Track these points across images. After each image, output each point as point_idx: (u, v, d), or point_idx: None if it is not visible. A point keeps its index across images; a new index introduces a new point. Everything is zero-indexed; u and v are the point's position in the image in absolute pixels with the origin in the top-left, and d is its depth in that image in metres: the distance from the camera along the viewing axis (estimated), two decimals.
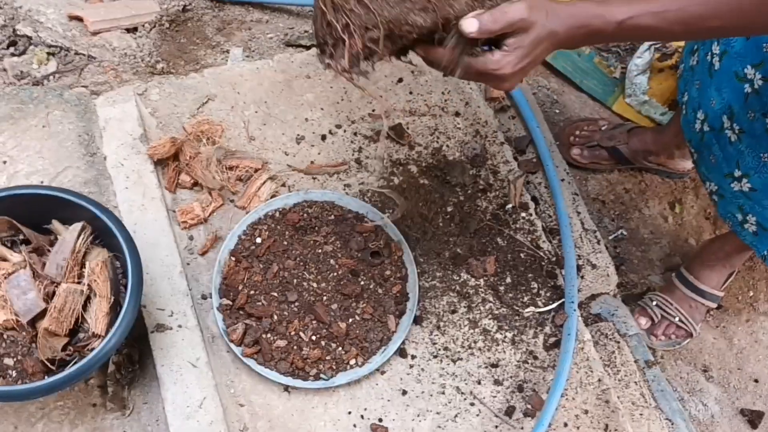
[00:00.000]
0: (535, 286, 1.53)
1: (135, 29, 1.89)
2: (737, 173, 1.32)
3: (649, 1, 0.96)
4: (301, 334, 1.37)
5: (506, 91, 1.01)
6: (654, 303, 1.67)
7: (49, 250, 1.24)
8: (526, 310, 1.49)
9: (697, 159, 1.47)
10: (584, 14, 0.96)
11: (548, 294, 1.52)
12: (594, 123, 1.86)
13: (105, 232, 1.24)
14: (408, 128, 1.66)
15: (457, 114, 1.71)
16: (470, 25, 0.92)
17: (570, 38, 0.97)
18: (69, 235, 1.21)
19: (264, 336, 1.36)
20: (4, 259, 1.22)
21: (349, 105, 1.67)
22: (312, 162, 1.58)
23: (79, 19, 1.86)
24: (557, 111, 1.96)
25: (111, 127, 1.52)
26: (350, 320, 1.40)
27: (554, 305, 1.51)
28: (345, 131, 1.63)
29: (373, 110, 1.67)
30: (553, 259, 1.56)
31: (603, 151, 1.82)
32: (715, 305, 1.69)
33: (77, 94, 1.59)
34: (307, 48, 1.89)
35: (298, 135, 1.61)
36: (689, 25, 0.95)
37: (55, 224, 1.26)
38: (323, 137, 1.62)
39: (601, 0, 0.97)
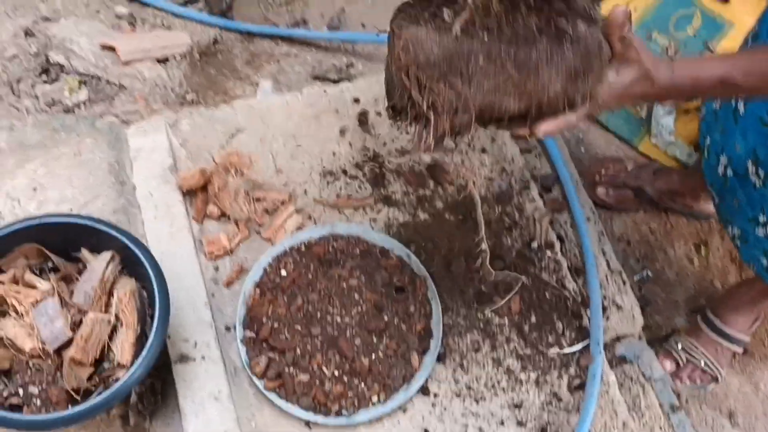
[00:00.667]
0: (560, 326, 1.51)
1: (166, 60, 1.92)
2: (762, 218, 1.31)
3: (733, 59, 0.99)
4: (324, 368, 1.36)
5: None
6: (679, 346, 1.65)
7: (77, 279, 1.24)
8: (551, 350, 1.48)
9: (719, 203, 1.46)
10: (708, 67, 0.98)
11: (573, 335, 1.51)
12: (620, 162, 1.86)
13: (133, 262, 1.24)
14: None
15: (483, 151, 1.71)
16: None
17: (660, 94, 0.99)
18: (98, 264, 1.22)
19: (287, 369, 1.35)
20: (33, 287, 1.23)
21: (377, 140, 1.68)
22: (338, 195, 1.59)
23: (112, 49, 1.89)
24: (583, 149, 1.96)
25: (141, 157, 1.54)
26: (373, 356, 1.39)
27: (579, 346, 1.49)
28: (372, 166, 1.64)
29: (402, 146, 1.67)
30: (579, 299, 1.55)
31: (629, 191, 1.82)
32: (741, 349, 1.66)
33: (109, 123, 1.61)
34: (335, 82, 1.91)
35: (325, 168, 1.62)
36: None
37: (84, 253, 1.27)
38: (350, 171, 1.63)
39: (695, 59, 0.99)
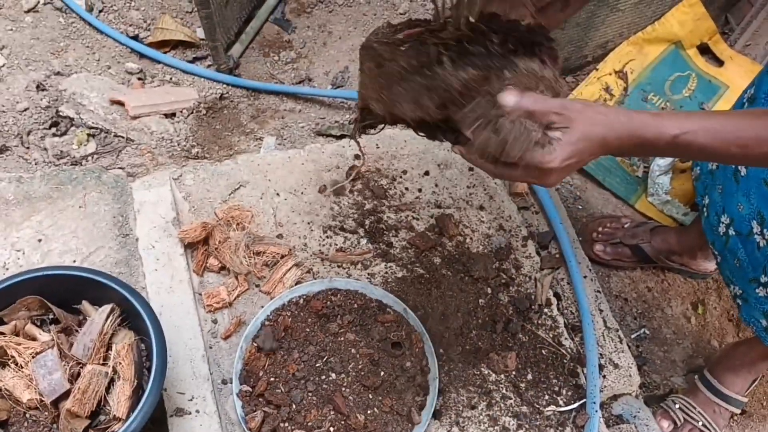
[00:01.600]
0: (557, 383, 1.51)
1: (173, 115, 1.97)
2: (763, 279, 1.33)
3: (705, 119, 0.94)
4: (319, 425, 1.36)
5: (549, 187, 0.99)
6: (677, 406, 1.64)
7: (77, 331, 1.26)
8: (547, 408, 1.48)
9: (720, 261, 1.47)
10: (637, 124, 0.94)
11: (569, 393, 1.51)
12: (617, 220, 1.88)
13: (133, 314, 1.26)
14: (434, 220, 1.69)
15: (481, 208, 1.74)
16: (508, 97, 0.94)
17: (619, 146, 0.96)
18: (98, 317, 1.24)
19: (282, 425, 1.35)
20: (33, 339, 1.24)
21: (375, 197, 1.71)
22: (337, 250, 1.61)
23: (121, 104, 1.94)
24: (580, 207, 1.99)
25: (145, 210, 1.57)
26: (369, 412, 1.39)
27: (576, 405, 1.49)
28: (371, 222, 1.66)
29: (401, 201, 1.70)
30: (575, 356, 1.56)
31: (626, 248, 1.83)
32: (739, 411, 1.66)
33: (114, 177, 1.65)
34: (338, 138, 1.96)
35: (325, 223, 1.65)
36: (747, 147, 0.92)
37: (85, 305, 1.28)
38: (349, 226, 1.65)
39: (656, 113, 0.96)
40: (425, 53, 0.98)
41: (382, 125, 1.18)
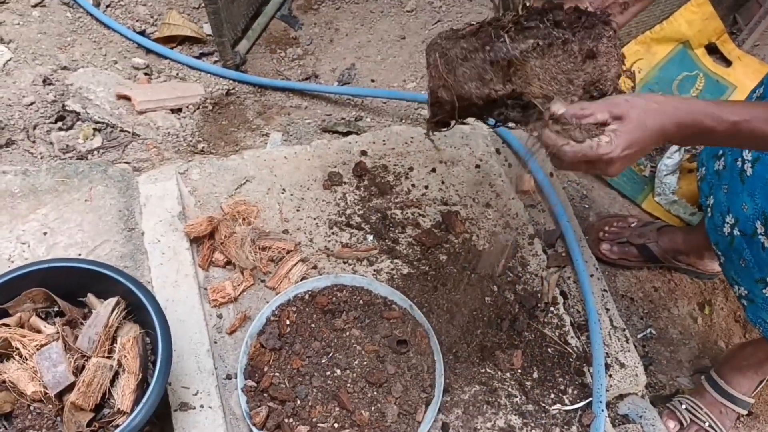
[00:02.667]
0: (563, 382, 1.50)
1: (179, 110, 1.97)
2: None
3: (761, 107, 0.95)
4: (324, 420, 1.35)
5: (612, 176, 1.04)
6: (683, 406, 1.63)
7: (82, 323, 1.25)
8: (553, 407, 1.47)
9: (724, 262, 1.47)
10: (696, 111, 0.96)
11: (575, 392, 1.50)
12: (624, 219, 1.88)
13: (138, 308, 1.25)
14: (440, 217, 1.68)
15: (487, 205, 1.73)
16: (557, 105, 0.98)
17: (679, 133, 0.97)
18: (103, 310, 1.23)
19: (286, 420, 1.35)
20: (38, 331, 1.24)
21: (381, 194, 1.70)
22: (343, 246, 1.60)
23: (127, 99, 1.94)
24: (587, 206, 1.98)
25: (151, 204, 1.57)
26: (373, 408, 1.38)
27: (581, 404, 1.48)
28: (377, 218, 1.66)
29: (407, 197, 1.70)
30: (581, 355, 1.55)
31: (632, 248, 1.83)
32: (745, 412, 1.65)
33: (120, 171, 1.64)
34: (344, 134, 1.95)
35: (331, 219, 1.64)
36: None
37: (91, 298, 1.28)
38: (355, 222, 1.65)
39: (711, 101, 0.98)
40: (485, 34, 1.05)
41: (454, 121, 1.19)
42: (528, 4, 1.05)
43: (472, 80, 1.06)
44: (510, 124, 1.12)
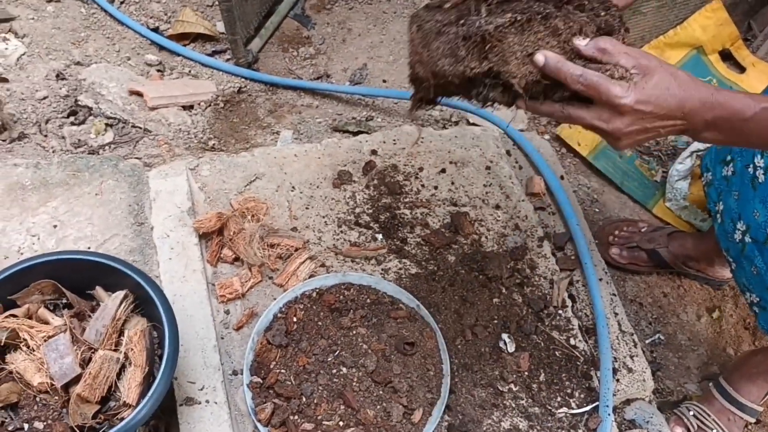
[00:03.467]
0: (569, 386, 1.50)
1: (191, 107, 1.97)
2: None
3: None
4: (329, 418, 1.35)
5: (617, 141, 0.95)
6: (691, 413, 1.62)
7: (90, 316, 1.26)
8: (559, 410, 1.46)
9: (735, 269, 1.45)
10: (724, 92, 0.90)
11: (582, 395, 1.49)
12: (634, 224, 1.87)
13: (146, 302, 1.26)
14: (449, 218, 1.68)
15: (497, 207, 1.73)
16: (580, 39, 0.93)
17: (698, 114, 0.90)
18: (111, 303, 1.24)
19: (291, 418, 1.34)
20: (46, 322, 1.24)
21: (390, 193, 1.70)
22: (352, 244, 1.60)
23: (139, 95, 1.95)
24: (597, 210, 1.97)
25: (161, 199, 1.57)
26: (379, 407, 1.38)
27: (588, 408, 1.47)
28: (386, 217, 1.65)
29: (416, 197, 1.69)
30: (589, 359, 1.54)
31: (642, 252, 1.81)
32: (753, 420, 1.63)
33: (131, 165, 1.65)
34: (354, 134, 1.95)
35: (340, 217, 1.64)
36: None
37: (99, 291, 1.28)
38: (364, 221, 1.65)
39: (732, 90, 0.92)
40: (465, 8, 0.98)
41: (438, 98, 1.11)
42: None
43: (445, 56, 0.98)
44: (496, 105, 1.06)
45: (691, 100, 0.90)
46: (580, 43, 0.93)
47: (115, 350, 1.21)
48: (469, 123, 2.05)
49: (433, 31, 0.99)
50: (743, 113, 0.90)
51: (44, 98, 1.91)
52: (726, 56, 2.33)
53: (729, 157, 1.47)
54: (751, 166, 1.36)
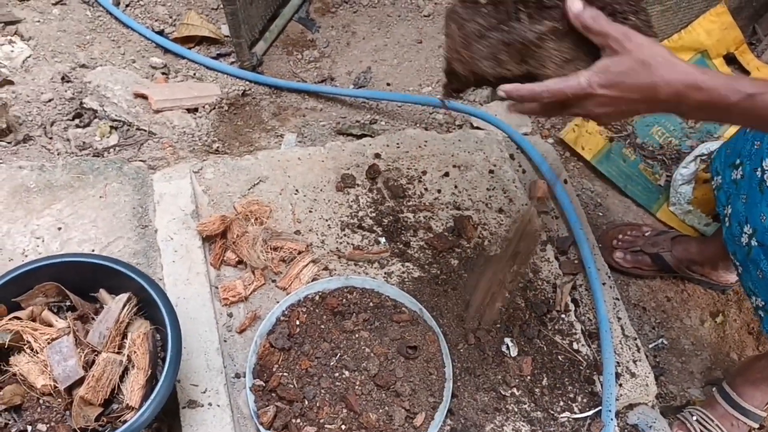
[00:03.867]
0: (572, 390, 1.49)
1: (196, 110, 1.98)
2: None
3: None
4: (331, 422, 1.35)
5: (601, 124, 1.01)
6: (694, 418, 1.62)
7: (93, 318, 1.26)
8: (562, 415, 1.46)
9: (741, 273, 1.45)
10: (709, 77, 0.88)
11: (585, 400, 1.49)
12: (638, 228, 1.86)
13: (149, 304, 1.26)
14: (452, 222, 1.68)
15: (500, 211, 1.72)
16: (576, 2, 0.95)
17: (674, 98, 0.90)
18: (115, 305, 1.24)
19: (294, 421, 1.35)
20: (50, 325, 1.25)
21: (394, 197, 1.70)
22: (355, 248, 1.60)
23: (144, 97, 1.95)
24: (600, 214, 1.97)
25: (165, 202, 1.57)
26: (381, 411, 1.38)
27: (591, 412, 1.47)
28: (389, 221, 1.66)
29: (420, 201, 1.70)
30: (592, 363, 1.54)
31: (646, 257, 1.81)
32: (757, 425, 1.63)
33: (136, 168, 1.65)
34: (358, 137, 1.95)
35: (343, 221, 1.64)
36: None
37: (103, 293, 1.29)
38: (367, 225, 1.65)
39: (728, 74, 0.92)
40: (504, 11, 1.02)
41: (469, 88, 1.18)
42: None
43: (486, 59, 1.05)
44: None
45: (676, 84, 0.90)
46: (575, 7, 0.97)
47: (118, 353, 1.21)
48: (472, 126, 2.05)
49: (474, 34, 1.04)
50: (728, 99, 0.89)
51: (49, 101, 1.91)
52: (730, 60, 2.32)
53: (738, 161, 1.47)
54: (759, 169, 1.36)
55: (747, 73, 2.30)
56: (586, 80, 0.95)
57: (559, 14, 0.99)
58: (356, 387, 1.39)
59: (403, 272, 1.59)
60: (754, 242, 1.36)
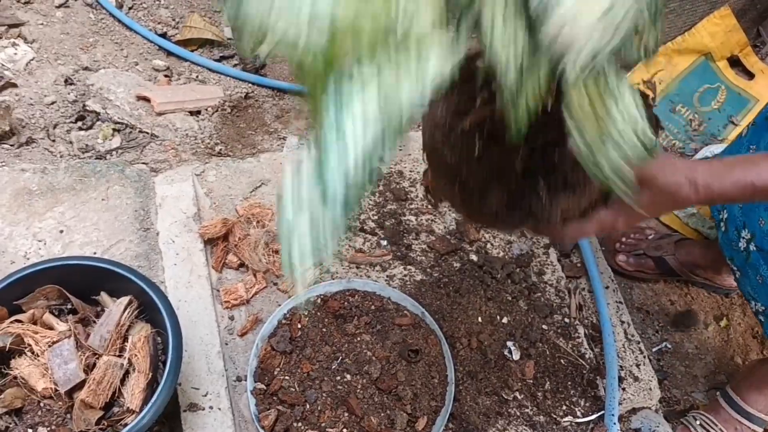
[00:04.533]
0: (575, 394, 1.49)
1: (198, 112, 1.98)
2: None
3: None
4: (333, 425, 1.35)
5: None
6: (698, 422, 1.61)
7: (94, 321, 1.26)
8: (564, 419, 1.45)
9: (740, 278, 1.44)
10: (716, 181, 0.87)
11: (587, 404, 1.48)
12: (641, 231, 1.86)
13: (150, 307, 1.26)
14: (455, 224, 1.67)
15: None
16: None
17: (704, 200, 0.89)
18: (116, 308, 1.24)
19: (295, 425, 1.34)
20: (51, 328, 1.25)
21: (396, 199, 1.70)
22: (357, 251, 1.60)
23: (147, 100, 1.95)
24: None
25: (167, 205, 1.57)
26: (383, 414, 1.37)
27: (594, 416, 1.46)
28: (391, 224, 1.65)
29: (422, 204, 1.69)
30: (595, 367, 1.53)
31: (649, 260, 1.80)
32: (761, 430, 1.61)
33: (138, 171, 1.65)
34: None
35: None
36: None
37: (104, 296, 1.29)
38: (369, 228, 1.64)
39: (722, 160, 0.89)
40: (507, 161, 0.84)
41: None
42: None
43: (494, 223, 1.04)
44: None
45: (682, 203, 0.90)
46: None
47: (119, 356, 1.21)
48: None
49: (475, 193, 0.92)
50: (742, 196, 0.88)
51: (52, 103, 1.91)
52: (734, 63, 2.31)
53: None
54: None
55: (751, 75, 2.29)
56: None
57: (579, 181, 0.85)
58: (358, 391, 1.39)
59: (405, 275, 1.58)
60: (752, 247, 1.36)
